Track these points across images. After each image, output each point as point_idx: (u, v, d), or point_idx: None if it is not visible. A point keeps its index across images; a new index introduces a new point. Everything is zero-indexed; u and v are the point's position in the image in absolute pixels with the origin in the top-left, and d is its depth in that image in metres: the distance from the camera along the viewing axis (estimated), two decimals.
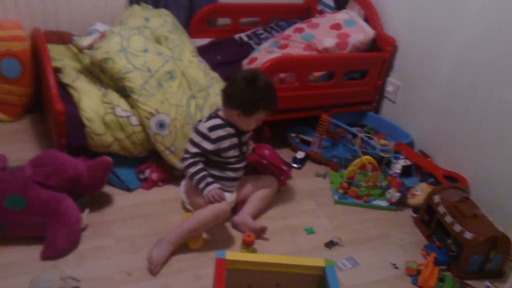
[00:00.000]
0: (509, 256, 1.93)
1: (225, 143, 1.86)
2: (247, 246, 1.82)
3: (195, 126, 1.89)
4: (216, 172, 1.90)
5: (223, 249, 1.82)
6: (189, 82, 2.22)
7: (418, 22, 2.47)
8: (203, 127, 1.83)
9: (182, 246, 1.78)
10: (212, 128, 1.83)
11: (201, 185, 1.82)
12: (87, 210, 1.81)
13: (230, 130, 1.86)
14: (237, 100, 1.80)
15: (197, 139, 1.83)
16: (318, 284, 1.39)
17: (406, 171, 2.33)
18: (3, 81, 2.32)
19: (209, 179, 1.83)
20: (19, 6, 2.43)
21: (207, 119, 1.88)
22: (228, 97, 1.83)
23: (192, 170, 1.83)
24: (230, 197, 1.93)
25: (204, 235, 1.87)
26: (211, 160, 1.88)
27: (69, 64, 2.26)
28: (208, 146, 1.82)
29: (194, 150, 1.83)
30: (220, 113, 1.88)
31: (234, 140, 1.88)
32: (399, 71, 2.65)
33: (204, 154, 1.85)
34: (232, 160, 1.90)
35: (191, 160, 1.83)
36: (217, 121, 1.85)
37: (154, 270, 1.67)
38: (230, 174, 1.92)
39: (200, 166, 1.84)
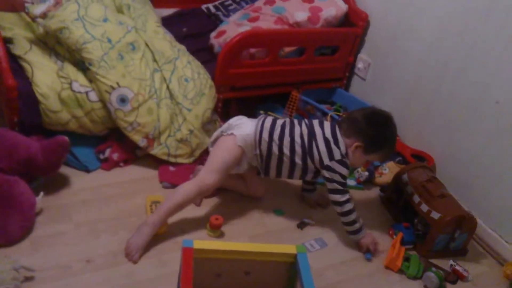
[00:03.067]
0: (474, 235, 1.97)
1: None
2: (214, 229, 1.77)
3: (340, 159, 1.74)
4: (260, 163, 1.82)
5: (187, 232, 1.76)
6: (154, 54, 2.11)
7: None
8: (337, 162, 1.74)
9: None
10: (341, 163, 1.76)
11: (357, 226, 1.81)
12: (42, 194, 1.70)
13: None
14: (367, 133, 1.73)
15: (343, 171, 1.75)
16: (290, 271, 1.35)
17: None
18: None
19: (361, 221, 1.83)
20: None
21: (339, 158, 1.74)
22: (356, 125, 1.75)
23: (350, 206, 1.78)
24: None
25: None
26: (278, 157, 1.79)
27: (21, 34, 2.09)
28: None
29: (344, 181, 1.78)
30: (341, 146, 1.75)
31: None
32: (370, 47, 2.61)
33: None
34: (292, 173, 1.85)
35: (348, 196, 1.78)
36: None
37: (134, 257, 1.59)
38: (271, 172, 1.86)
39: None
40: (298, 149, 1.76)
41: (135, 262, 1.60)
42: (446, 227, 1.83)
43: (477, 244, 2.04)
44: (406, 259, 1.82)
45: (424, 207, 1.88)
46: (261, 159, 1.80)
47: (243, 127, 1.77)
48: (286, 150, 1.77)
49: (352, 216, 1.78)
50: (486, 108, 2.01)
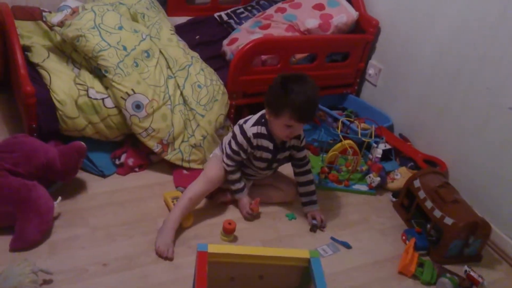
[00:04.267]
0: (488, 241, 1.96)
1: (262, 154, 1.86)
2: (228, 233, 1.78)
3: (240, 124, 1.85)
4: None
5: (201, 237, 1.78)
6: (168, 61, 2.15)
7: (402, 3, 2.43)
8: (250, 129, 1.81)
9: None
10: (256, 135, 1.82)
11: (237, 186, 1.90)
12: (59, 198, 1.73)
13: (269, 144, 1.84)
14: (268, 96, 1.76)
15: (239, 138, 1.82)
16: (303, 275, 1.36)
17: (385, 155, 2.33)
18: None
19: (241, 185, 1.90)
20: None
21: (254, 122, 1.83)
22: (266, 93, 1.78)
23: (232, 169, 1.87)
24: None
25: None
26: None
27: (39, 42, 2.14)
28: (248, 149, 1.84)
29: (233, 157, 1.85)
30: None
31: (268, 155, 1.86)
32: (381, 54, 2.62)
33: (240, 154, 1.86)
34: (256, 166, 1.92)
35: (233, 167, 1.87)
36: (261, 130, 1.82)
37: (168, 254, 1.65)
38: (252, 171, 1.95)
39: (238, 172, 1.89)
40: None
41: (171, 259, 1.65)
42: (459, 233, 1.82)
43: (491, 250, 2.02)
44: (420, 264, 1.81)
45: (437, 213, 1.88)
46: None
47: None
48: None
49: (234, 177, 1.89)
50: (498, 113, 2.00)
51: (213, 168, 1.88)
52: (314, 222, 1.94)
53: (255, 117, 1.85)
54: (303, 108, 1.71)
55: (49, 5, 2.43)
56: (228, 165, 1.87)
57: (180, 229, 1.77)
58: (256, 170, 1.94)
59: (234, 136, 1.84)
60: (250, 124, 1.83)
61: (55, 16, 2.10)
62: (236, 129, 1.85)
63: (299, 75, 1.77)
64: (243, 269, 1.34)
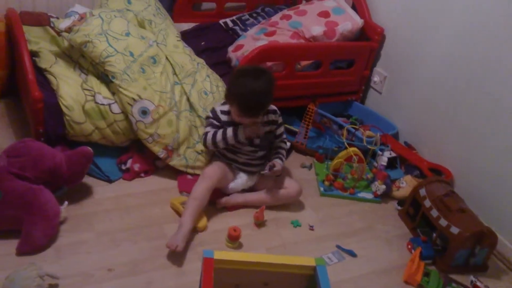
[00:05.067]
0: (494, 250, 1.95)
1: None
2: (233, 240, 1.78)
3: (213, 107, 2.01)
4: (228, 154, 2.00)
5: (206, 243, 1.78)
6: (174, 68, 2.16)
7: (407, 11, 2.44)
8: (218, 107, 1.98)
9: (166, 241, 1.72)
10: (223, 112, 1.96)
11: (225, 137, 1.92)
12: (66, 203, 1.73)
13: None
14: (227, 84, 1.90)
15: (211, 121, 1.97)
16: (308, 283, 1.36)
17: (391, 163, 2.32)
18: None
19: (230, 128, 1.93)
20: None
21: (223, 102, 1.99)
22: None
23: (209, 136, 1.95)
24: (241, 176, 2.01)
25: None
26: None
27: (47, 47, 2.15)
28: (216, 122, 1.96)
29: (209, 129, 1.97)
30: None
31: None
32: (386, 61, 2.62)
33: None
34: (241, 147, 1.96)
35: (210, 135, 1.95)
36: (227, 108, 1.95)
37: (178, 246, 1.64)
38: (242, 158, 1.99)
39: (218, 131, 1.94)
40: None
41: (179, 251, 1.65)
42: (466, 242, 1.82)
43: (498, 260, 2.01)
44: (426, 274, 1.81)
45: (443, 222, 1.87)
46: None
47: None
48: None
49: (219, 138, 1.93)
50: (505, 122, 2.00)
51: (209, 166, 1.98)
52: (270, 164, 1.97)
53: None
54: (247, 105, 1.83)
55: (57, 11, 2.45)
56: (206, 132, 1.96)
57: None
58: (246, 153, 1.98)
59: (209, 113, 2.01)
60: (219, 104, 2.02)
61: (62, 22, 2.11)
62: (211, 109, 2.02)
63: (256, 70, 1.88)
64: (248, 276, 1.34)
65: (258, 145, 1.99)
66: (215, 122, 1.96)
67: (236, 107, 1.84)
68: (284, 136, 2.11)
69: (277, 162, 1.99)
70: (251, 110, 1.85)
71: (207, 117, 2.01)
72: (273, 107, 2.02)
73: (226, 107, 1.95)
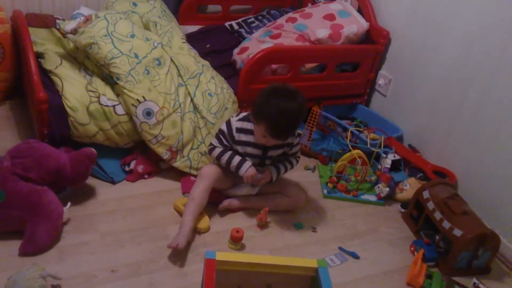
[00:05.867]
0: (497, 253, 1.94)
1: (247, 149, 1.86)
2: (235, 241, 1.78)
3: (232, 116, 1.88)
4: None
5: (208, 245, 1.79)
6: (178, 69, 2.16)
7: (412, 14, 2.43)
8: (235, 122, 1.85)
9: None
10: (239, 130, 1.84)
11: (234, 164, 1.84)
12: (69, 204, 1.74)
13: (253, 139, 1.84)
14: (255, 100, 1.75)
15: (224, 126, 1.87)
16: (310, 285, 1.36)
17: (394, 166, 2.32)
18: None
19: (239, 158, 1.85)
20: None
21: (241, 117, 1.86)
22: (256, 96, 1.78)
23: (217, 152, 1.88)
24: (245, 185, 1.95)
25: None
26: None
27: (52, 49, 2.17)
28: (227, 138, 1.87)
29: (218, 145, 1.88)
30: None
31: (255, 151, 1.87)
32: (391, 64, 2.62)
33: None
34: (249, 159, 1.89)
35: (219, 151, 1.88)
36: (246, 126, 1.84)
37: (178, 244, 1.63)
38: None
39: (228, 152, 1.87)
40: None
41: (180, 248, 1.65)
42: (468, 244, 1.81)
43: (500, 263, 2.00)
44: (429, 276, 1.80)
45: (446, 224, 1.87)
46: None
47: None
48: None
49: (224, 159, 1.86)
50: (509, 125, 1.99)
51: (206, 166, 1.94)
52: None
53: (245, 113, 1.88)
54: (278, 127, 1.71)
55: (63, 13, 2.47)
56: (211, 144, 1.90)
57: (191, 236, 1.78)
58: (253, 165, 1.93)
59: (222, 125, 1.89)
60: (237, 118, 1.86)
61: (68, 24, 2.12)
62: (227, 120, 1.89)
63: (290, 91, 1.73)
64: (250, 278, 1.34)
65: (264, 163, 1.95)
66: (224, 140, 1.87)
67: (264, 127, 1.72)
68: (298, 155, 2.00)
69: (266, 173, 1.89)
70: (281, 133, 1.74)
71: (222, 126, 1.90)
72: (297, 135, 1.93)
73: (245, 124, 1.84)
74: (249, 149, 1.86)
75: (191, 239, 1.78)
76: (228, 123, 1.87)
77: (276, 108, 1.68)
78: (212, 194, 1.88)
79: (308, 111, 2.39)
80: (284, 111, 1.68)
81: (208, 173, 1.86)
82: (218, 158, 1.88)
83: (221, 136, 1.88)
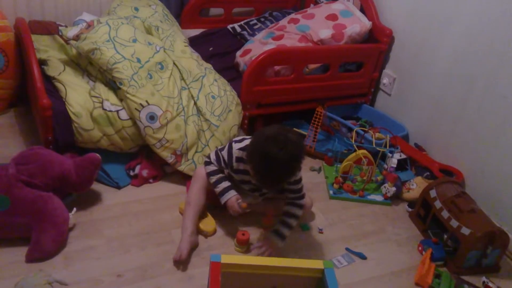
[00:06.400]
0: (506, 251, 1.92)
1: (244, 178, 1.79)
2: (241, 244, 1.77)
3: (232, 141, 1.78)
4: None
5: (214, 248, 1.78)
6: (181, 73, 2.17)
7: (415, 12, 2.42)
8: (235, 150, 1.73)
9: (175, 246, 1.72)
10: (238, 159, 1.73)
11: (218, 189, 1.78)
12: (74, 209, 1.75)
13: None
14: (250, 142, 1.65)
15: (225, 151, 1.77)
16: (317, 286, 1.35)
17: (401, 165, 2.30)
18: None
19: (226, 184, 1.78)
20: None
21: (243, 146, 1.72)
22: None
23: (212, 177, 1.80)
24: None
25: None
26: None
27: (55, 55, 2.18)
28: (225, 170, 1.81)
29: (214, 163, 1.80)
30: None
31: (253, 186, 1.82)
32: (395, 63, 2.60)
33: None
34: (247, 190, 1.86)
35: (213, 168, 1.80)
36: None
37: (181, 256, 1.63)
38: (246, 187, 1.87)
39: (218, 174, 1.80)
40: None
41: (183, 258, 1.64)
42: (477, 243, 1.79)
43: (510, 261, 1.98)
44: (437, 275, 1.79)
45: (454, 223, 1.85)
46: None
47: None
48: None
49: (213, 180, 1.79)
50: None
51: (200, 166, 1.91)
52: (257, 245, 1.78)
53: (247, 141, 1.74)
54: (264, 177, 1.60)
55: (65, 20, 2.49)
56: (209, 157, 1.82)
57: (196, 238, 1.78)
58: (251, 195, 1.89)
59: (226, 146, 1.79)
60: (239, 146, 1.74)
61: (70, 30, 2.14)
62: (230, 143, 1.78)
63: (282, 140, 1.52)
64: (256, 280, 1.33)
65: (263, 193, 1.90)
66: (222, 162, 1.77)
67: (253, 173, 1.63)
68: (301, 193, 1.78)
69: (270, 247, 1.74)
70: (267, 183, 1.65)
71: (223, 148, 1.79)
72: (297, 175, 1.73)
73: (244, 154, 1.70)
74: (247, 177, 1.78)
75: (197, 243, 1.77)
76: (230, 150, 1.75)
77: (262, 157, 1.52)
78: (214, 196, 1.85)
79: (312, 112, 2.39)
80: (271, 160, 1.50)
81: (202, 173, 1.83)
82: (208, 175, 1.80)
83: (220, 156, 1.78)
